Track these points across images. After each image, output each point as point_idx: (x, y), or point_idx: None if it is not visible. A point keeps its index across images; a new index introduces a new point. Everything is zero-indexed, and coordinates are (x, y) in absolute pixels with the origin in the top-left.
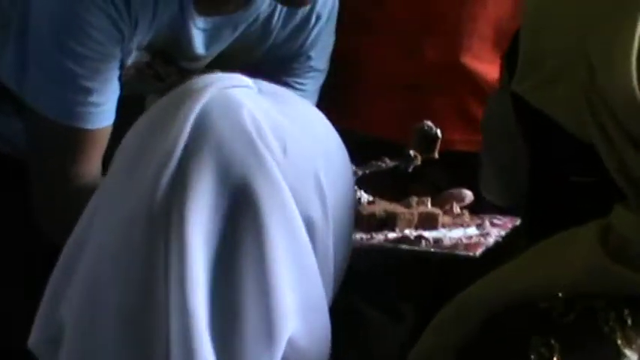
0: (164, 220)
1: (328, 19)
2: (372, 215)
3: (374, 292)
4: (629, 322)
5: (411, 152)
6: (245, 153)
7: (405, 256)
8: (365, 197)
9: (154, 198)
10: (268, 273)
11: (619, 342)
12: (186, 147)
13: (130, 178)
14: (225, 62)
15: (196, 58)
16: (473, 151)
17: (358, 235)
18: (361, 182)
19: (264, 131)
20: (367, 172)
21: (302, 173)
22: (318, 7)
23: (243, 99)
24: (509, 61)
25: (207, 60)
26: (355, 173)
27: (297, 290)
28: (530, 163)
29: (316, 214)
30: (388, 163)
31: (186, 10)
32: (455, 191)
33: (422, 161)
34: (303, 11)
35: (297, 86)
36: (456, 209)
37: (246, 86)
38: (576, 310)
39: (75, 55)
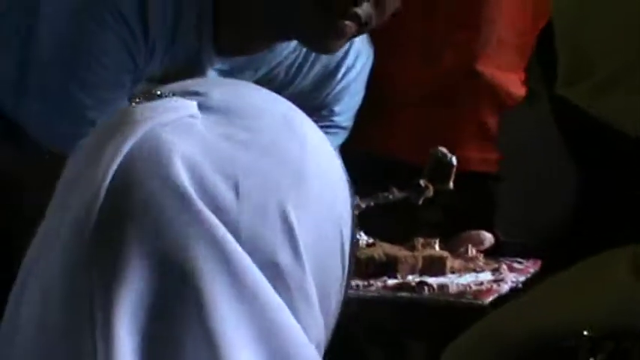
0: (86, 299)
1: (359, 73)
2: (371, 259)
3: (375, 329)
4: None
5: (422, 182)
6: (178, 215)
7: (405, 304)
8: (364, 239)
9: (73, 260)
10: (216, 350)
11: None
12: (108, 202)
13: (55, 227)
14: None
15: None
16: (490, 171)
17: (354, 282)
18: (363, 216)
19: (205, 178)
20: (372, 204)
21: (262, 211)
22: (349, 59)
23: (177, 142)
24: (544, 66)
25: None
26: (358, 207)
27: (262, 351)
28: (580, 177)
29: (285, 259)
30: (396, 194)
31: (205, 46)
32: (473, 233)
33: (434, 192)
34: (331, 61)
35: None
36: (472, 252)
37: (189, 115)
38: (605, 350)
39: (82, 83)
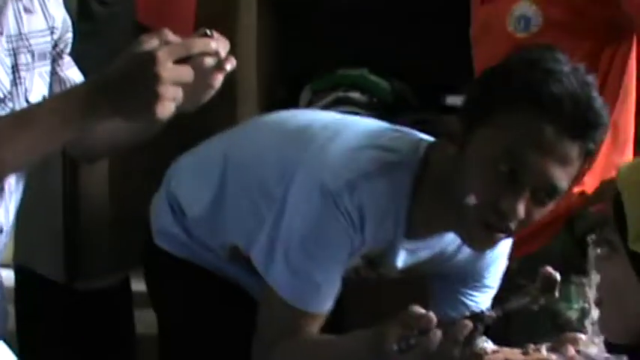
0: None
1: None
2: None
3: None
4: None
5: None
6: None
7: None
8: (490, 347)
9: None
10: None
11: None
12: None
13: None
14: (412, 271)
15: (394, 269)
16: None
17: None
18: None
19: None
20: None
21: None
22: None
23: None
24: (619, 223)
25: (401, 270)
26: (490, 317)
27: None
28: None
29: None
30: (521, 301)
31: (399, 237)
32: (569, 335)
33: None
34: None
35: (469, 298)
36: (570, 351)
37: None
38: None
39: (315, 260)
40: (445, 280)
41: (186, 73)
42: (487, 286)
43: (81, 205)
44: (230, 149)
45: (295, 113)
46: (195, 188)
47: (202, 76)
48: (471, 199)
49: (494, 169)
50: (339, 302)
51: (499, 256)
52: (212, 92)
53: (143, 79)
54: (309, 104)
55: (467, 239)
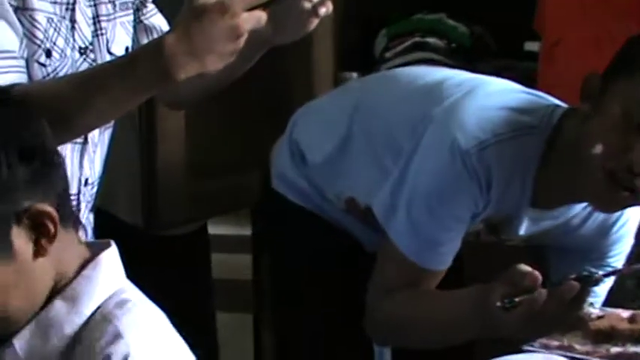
0: None
1: (631, 228)
2: (599, 331)
3: None
4: None
5: None
6: None
7: None
8: (595, 311)
9: None
10: None
11: None
12: None
13: None
14: (533, 239)
15: (515, 236)
16: None
17: (584, 349)
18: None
19: None
20: None
21: None
22: (623, 216)
23: None
24: None
25: (520, 238)
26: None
27: None
28: None
29: None
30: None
31: (524, 204)
32: None
33: None
34: (611, 216)
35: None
36: None
37: None
38: None
39: (437, 217)
40: (566, 254)
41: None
42: (610, 266)
43: (158, 151)
44: (362, 99)
45: (430, 69)
46: (320, 135)
47: (298, 15)
48: (599, 148)
49: (627, 121)
50: (458, 259)
51: (625, 234)
52: (305, 32)
53: (219, 31)
54: (386, 50)
55: (593, 198)
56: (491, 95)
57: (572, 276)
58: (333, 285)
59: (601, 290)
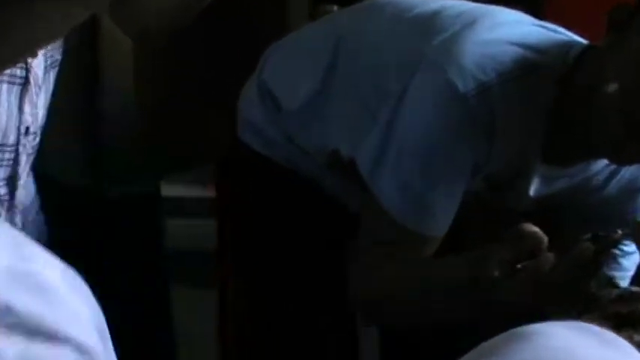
0: None
1: None
2: (619, 314)
3: None
4: None
5: None
6: None
7: None
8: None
9: None
10: None
11: None
12: None
13: None
14: (545, 203)
15: (525, 199)
16: None
17: None
18: None
19: None
20: None
21: None
22: None
23: None
24: None
25: (530, 201)
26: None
27: None
28: None
29: None
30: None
31: (534, 160)
32: None
33: None
34: (638, 177)
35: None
36: None
37: None
38: None
39: (430, 174)
40: (585, 222)
41: None
42: None
43: (104, 91)
44: (343, 33)
45: None
46: (297, 71)
47: None
48: (616, 87)
49: None
50: (458, 224)
51: None
52: None
53: None
54: None
55: (609, 149)
56: (496, 28)
57: (586, 236)
58: (312, 254)
59: (629, 264)
